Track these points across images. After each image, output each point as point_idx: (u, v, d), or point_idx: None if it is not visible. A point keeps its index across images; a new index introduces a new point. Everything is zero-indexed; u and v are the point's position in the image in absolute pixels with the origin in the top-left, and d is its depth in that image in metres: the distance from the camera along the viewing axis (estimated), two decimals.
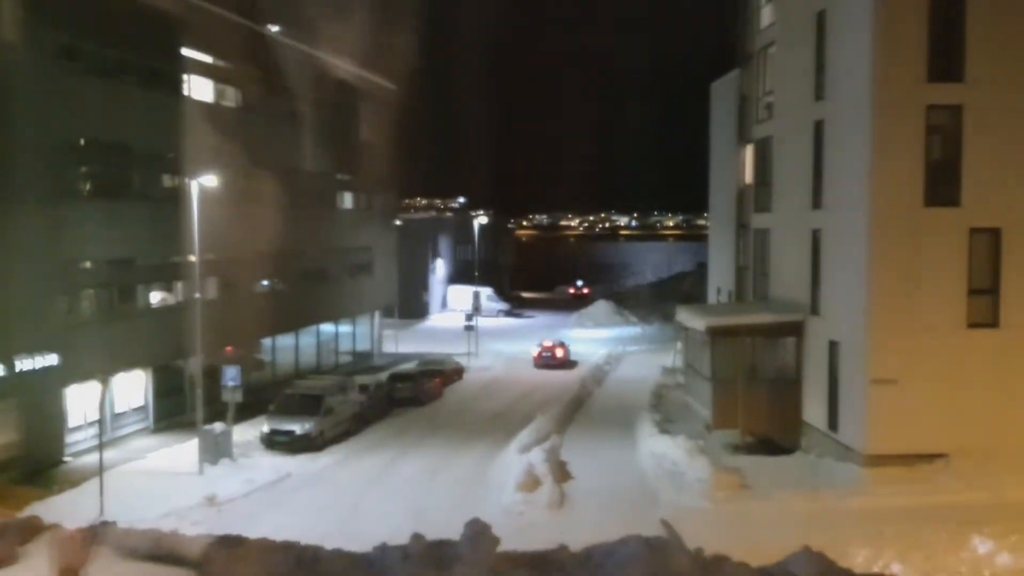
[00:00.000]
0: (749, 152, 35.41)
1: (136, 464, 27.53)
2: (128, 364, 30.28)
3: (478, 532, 6.79)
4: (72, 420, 28.15)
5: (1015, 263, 24.35)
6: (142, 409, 31.69)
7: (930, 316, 24.26)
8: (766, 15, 33.20)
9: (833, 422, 26.24)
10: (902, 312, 24.21)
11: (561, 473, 25.91)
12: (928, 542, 19.28)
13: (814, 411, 27.54)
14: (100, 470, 23.10)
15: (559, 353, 48.55)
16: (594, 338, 60.30)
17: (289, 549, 6.99)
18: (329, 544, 9.19)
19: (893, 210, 24.17)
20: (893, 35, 23.92)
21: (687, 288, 74.95)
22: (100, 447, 23.60)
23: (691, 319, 31.99)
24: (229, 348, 30.57)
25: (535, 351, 49.27)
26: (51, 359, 26.22)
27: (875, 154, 24.12)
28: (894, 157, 24.07)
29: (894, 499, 22.31)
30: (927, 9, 23.88)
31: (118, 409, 30.31)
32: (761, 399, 28.61)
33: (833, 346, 26.39)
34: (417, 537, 6.86)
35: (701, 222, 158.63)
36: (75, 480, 25.21)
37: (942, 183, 24.34)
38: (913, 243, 24.20)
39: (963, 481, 22.90)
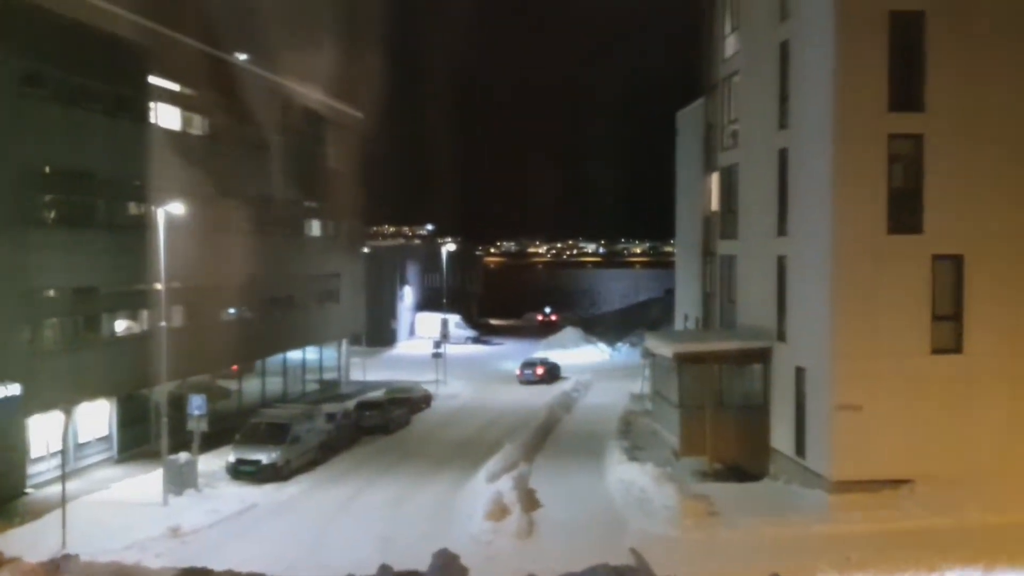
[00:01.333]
0: (715, 180, 35.77)
1: (99, 495, 27.07)
2: (92, 393, 29.85)
3: (446, 562, 6.76)
4: (34, 451, 27.66)
5: (977, 289, 24.73)
6: (106, 439, 31.22)
7: (894, 342, 24.54)
8: (730, 45, 33.68)
9: (800, 448, 26.40)
10: (866, 338, 24.47)
11: (530, 501, 25.81)
12: (894, 568, 19.43)
13: (781, 437, 27.70)
14: (63, 501, 22.69)
15: (539, 371, 53.17)
16: (562, 364, 60.37)
17: None
18: (295, 575, 9.10)
19: (856, 237, 24.49)
20: (854, 65, 24.35)
21: (655, 315, 75.27)
22: (63, 478, 23.18)
23: (658, 346, 32.13)
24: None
25: (518, 370, 53.99)
26: (13, 389, 25.76)
27: (837, 182, 24.46)
28: (856, 185, 24.43)
29: (860, 525, 22.44)
30: (887, 40, 24.34)
31: (81, 439, 29.83)
32: (729, 426, 28.72)
33: (799, 372, 26.60)
34: (384, 568, 6.82)
35: (668, 249, 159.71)
36: (37, 512, 24.73)
37: (904, 211, 24.71)
38: (876, 270, 24.52)
39: (927, 507, 23.10)
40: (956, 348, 24.81)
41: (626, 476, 28.01)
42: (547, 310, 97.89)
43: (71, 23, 28.79)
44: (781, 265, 28.06)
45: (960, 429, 24.54)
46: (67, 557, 19.43)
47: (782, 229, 28.06)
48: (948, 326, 24.84)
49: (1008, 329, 24.72)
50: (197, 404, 28.19)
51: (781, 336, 27.98)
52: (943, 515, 22.67)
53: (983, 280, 24.73)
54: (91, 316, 30.47)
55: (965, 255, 24.75)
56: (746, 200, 31.77)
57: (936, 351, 24.73)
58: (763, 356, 28.76)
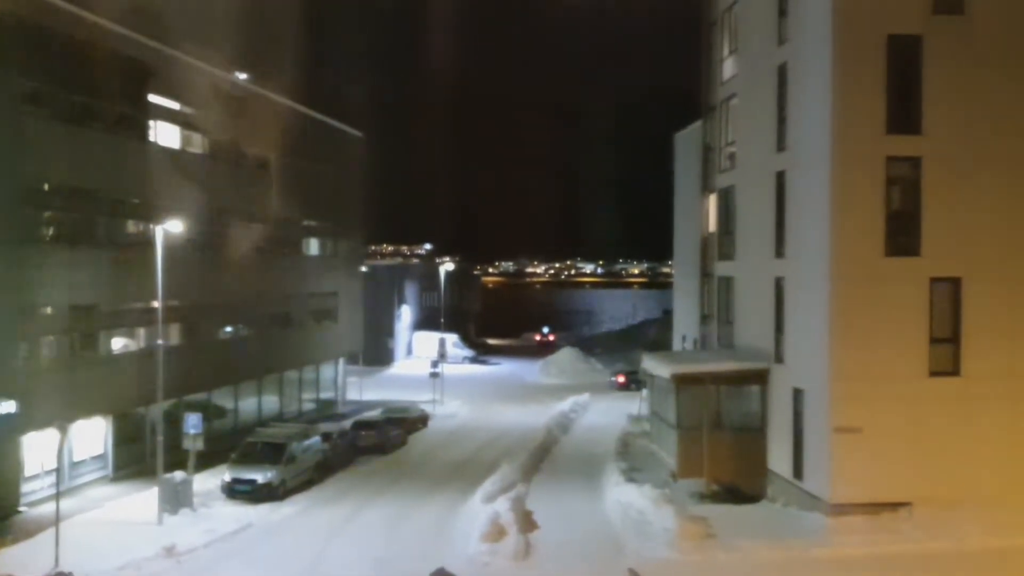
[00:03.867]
0: (713, 201, 35.85)
1: (94, 514, 26.91)
2: (88, 411, 29.75)
3: None
4: (29, 469, 27.54)
5: (975, 312, 24.74)
6: (101, 457, 31.07)
7: (892, 365, 24.52)
8: (729, 67, 33.84)
9: (798, 470, 26.32)
10: (864, 361, 24.45)
11: (527, 522, 25.67)
12: None
13: (779, 459, 27.62)
14: (56, 520, 22.54)
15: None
16: (560, 385, 60.30)
17: None
18: None
19: (854, 260, 24.52)
20: (852, 88, 24.46)
21: (653, 335, 75.25)
22: (57, 496, 23.05)
23: (656, 367, 32.07)
24: None
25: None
26: (8, 406, 25.68)
27: (835, 204, 24.52)
28: (854, 207, 24.49)
29: (859, 549, 22.36)
30: (885, 63, 24.48)
31: (76, 457, 29.69)
32: (726, 447, 28.64)
33: (797, 394, 26.56)
34: None
35: (666, 270, 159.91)
36: (31, 531, 24.58)
37: (902, 233, 24.76)
38: (874, 292, 24.54)
39: (927, 530, 23.01)
40: (954, 371, 24.79)
41: (624, 497, 27.90)
42: (545, 330, 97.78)
43: (72, 41, 28.88)
44: (779, 287, 28.08)
45: (959, 452, 24.48)
46: (61, 574, 19.33)
47: (779, 251, 28.10)
48: (946, 349, 24.84)
49: (1006, 352, 24.71)
50: (193, 423, 28.08)
51: (779, 358, 27.96)
52: (942, 539, 22.59)
53: (980, 303, 24.74)
54: (88, 334, 30.40)
55: (963, 278, 24.78)
56: (744, 222, 31.82)
57: (934, 374, 24.71)
58: (761, 377, 28.73)
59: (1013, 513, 23.48)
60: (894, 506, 24.09)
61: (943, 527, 22.98)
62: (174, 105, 35.06)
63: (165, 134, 34.66)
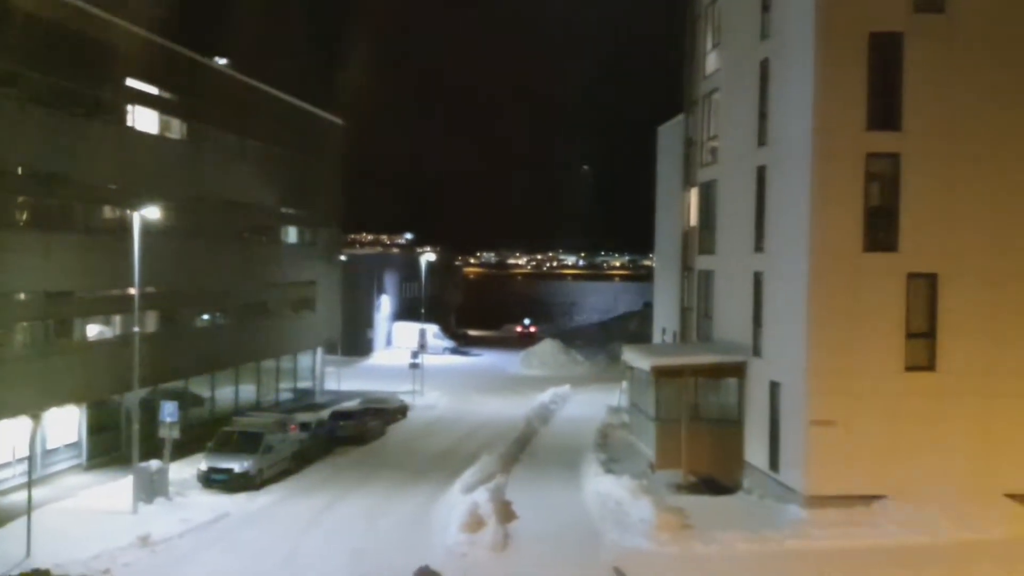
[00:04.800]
0: (694, 195, 35.91)
1: (67, 503, 26.68)
2: (62, 399, 29.49)
3: None
4: (1, 456, 27.28)
5: (951, 307, 24.91)
6: (75, 445, 30.80)
7: (869, 359, 24.67)
8: (711, 61, 33.87)
9: (774, 463, 26.46)
10: (841, 355, 24.58)
11: (506, 513, 25.67)
12: None
13: (756, 452, 27.76)
14: (29, 509, 22.33)
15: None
16: (540, 376, 60.33)
17: None
18: None
19: (832, 255, 24.63)
20: (833, 84, 24.53)
21: (633, 328, 75.42)
22: (29, 485, 22.83)
23: (636, 359, 32.16)
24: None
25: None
26: None
27: (815, 200, 24.61)
28: (834, 203, 24.58)
29: (834, 541, 22.47)
30: (866, 60, 24.56)
31: (50, 445, 29.42)
32: (704, 439, 28.77)
33: (774, 387, 26.68)
34: None
35: (647, 263, 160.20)
36: (2, 519, 24.32)
37: (880, 229, 24.88)
38: (852, 287, 24.66)
39: (900, 524, 23.18)
40: (930, 366, 24.96)
41: (602, 488, 27.97)
42: (527, 322, 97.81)
43: (48, 24, 28.53)
44: (758, 281, 28.17)
45: (933, 446, 24.67)
46: (38, 572, 19.10)
47: (759, 245, 28.18)
48: (922, 344, 25.00)
49: (981, 347, 24.89)
50: (169, 411, 27.89)
51: (757, 351, 28.07)
52: (916, 532, 22.77)
53: (956, 298, 24.91)
54: (63, 320, 30.13)
55: (939, 274, 24.93)
56: (724, 216, 31.90)
57: (910, 368, 24.87)
58: (739, 371, 28.84)
59: (986, 507, 23.72)
60: (869, 499, 24.27)
61: (917, 520, 23.17)
62: (151, 90, 34.74)
63: (142, 119, 34.33)
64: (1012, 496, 24.31)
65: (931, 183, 24.75)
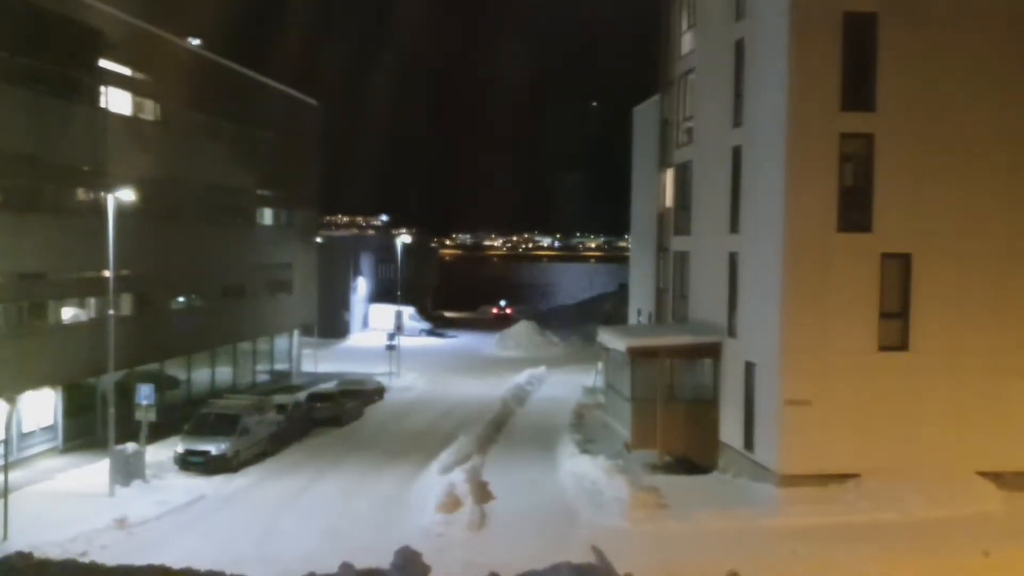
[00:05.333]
0: (670, 176, 36.02)
1: (43, 486, 26.58)
2: (37, 382, 29.28)
3: (408, 560, 6.71)
4: None
5: (924, 287, 25.19)
6: (51, 429, 30.61)
7: (842, 339, 24.93)
8: (687, 42, 33.91)
9: (749, 442, 26.72)
10: (815, 335, 24.83)
11: (482, 493, 25.82)
12: (838, 561, 19.77)
13: (731, 431, 28.01)
14: (4, 492, 22.19)
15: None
16: (516, 358, 60.46)
17: None
18: (245, 568, 9.01)
19: (807, 235, 24.82)
20: (808, 65, 24.64)
21: (609, 309, 75.59)
22: (5, 468, 22.67)
23: (612, 340, 32.31)
24: None
25: None
26: None
27: (789, 180, 24.77)
28: (808, 183, 24.75)
29: (807, 519, 22.77)
30: (841, 40, 24.68)
31: (25, 428, 29.22)
32: (679, 419, 28.99)
33: (749, 367, 26.91)
34: (346, 566, 6.74)
35: (623, 244, 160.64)
36: None
37: (854, 209, 25.09)
38: (826, 267, 24.87)
39: (874, 501, 23.51)
40: (902, 345, 25.26)
41: (578, 468, 28.15)
42: (502, 303, 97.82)
43: (18, 2, 28.12)
44: (733, 262, 28.34)
45: (906, 424, 25.01)
46: (21, 555, 18.97)
47: (734, 226, 28.34)
48: (895, 323, 25.29)
49: (952, 326, 25.21)
50: (145, 394, 27.79)
51: (732, 332, 28.28)
52: (888, 509, 23.11)
53: (929, 279, 25.20)
54: (37, 303, 29.88)
55: (913, 254, 25.20)
56: (699, 197, 32.03)
57: (883, 348, 25.16)
58: (714, 351, 29.05)
59: (957, 484, 24.08)
60: (842, 477, 24.58)
61: (889, 498, 23.50)
62: (125, 70, 34.33)
63: (116, 100, 33.95)
64: (983, 473, 24.69)
65: (904, 164, 24.97)
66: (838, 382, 24.83)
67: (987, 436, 25.20)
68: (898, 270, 25.24)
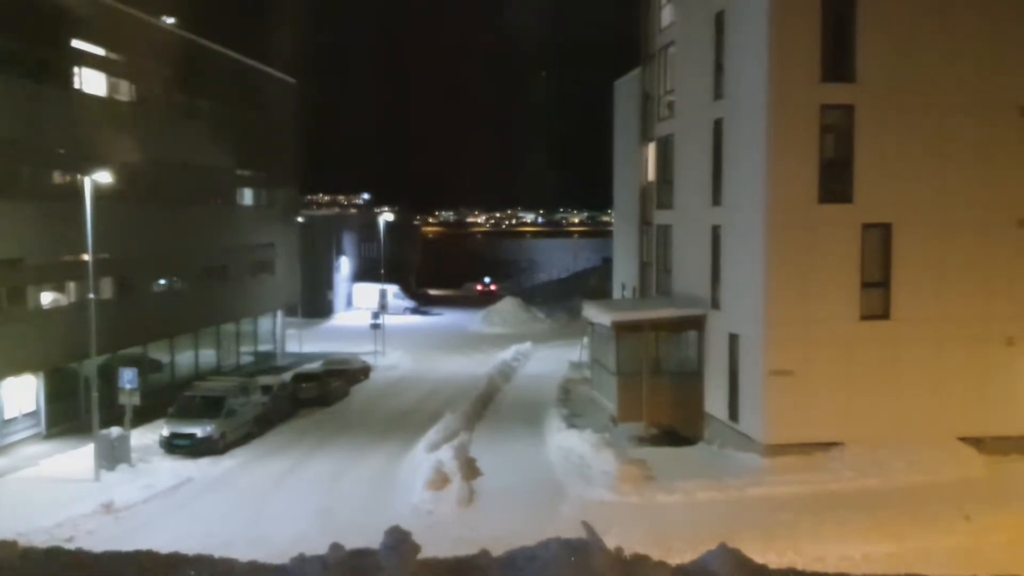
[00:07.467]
0: (652, 150, 35.97)
1: (28, 472, 26.47)
2: (18, 368, 29.11)
3: (399, 540, 6.68)
4: None
5: (905, 257, 25.34)
6: (33, 414, 30.46)
7: (825, 309, 25.07)
8: (667, 14, 33.77)
9: (734, 413, 26.88)
10: (798, 306, 24.95)
11: (470, 470, 25.89)
12: (822, 529, 19.94)
13: (716, 403, 28.17)
14: None
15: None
16: (502, 334, 60.52)
17: (201, 563, 6.74)
18: (233, 550, 8.98)
19: (788, 207, 24.88)
20: (787, 37, 24.60)
21: (593, 284, 75.74)
22: None
23: (597, 314, 32.35)
24: None
25: None
26: None
27: (771, 152, 24.78)
28: (789, 155, 24.78)
29: (792, 487, 22.98)
30: (820, 12, 24.64)
31: (7, 415, 29.08)
32: (665, 392, 29.13)
33: (733, 339, 27.02)
34: (336, 547, 6.70)
35: (606, 219, 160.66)
36: None
37: (835, 180, 25.16)
38: (808, 238, 24.96)
39: (856, 469, 23.74)
40: (884, 314, 25.43)
41: (565, 443, 28.26)
42: (487, 280, 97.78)
43: None
44: (716, 234, 28.39)
45: (888, 393, 25.23)
46: (5, 544, 18.92)
47: (717, 199, 28.36)
48: (877, 293, 25.45)
49: (933, 295, 25.41)
50: (129, 377, 27.65)
51: (715, 304, 28.37)
52: (871, 477, 23.35)
53: (910, 248, 25.34)
54: (15, 288, 29.63)
55: (893, 224, 25.31)
56: (682, 170, 32.01)
57: (865, 317, 25.32)
58: (698, 324, 29.16)
59: (938, 451, 24.35)
60: (826, 446, 24.79)
61: (872, 465, 23.75)
62: (99, 51, 33.93)
63: (91, 81, 33.57)
64: (964, 439, 24.98)
65: (884, 135, 25.03)
66: (821, 352, 25.00)
67: (968, 402, 25.47)
68: (879, 240, 25.38)
